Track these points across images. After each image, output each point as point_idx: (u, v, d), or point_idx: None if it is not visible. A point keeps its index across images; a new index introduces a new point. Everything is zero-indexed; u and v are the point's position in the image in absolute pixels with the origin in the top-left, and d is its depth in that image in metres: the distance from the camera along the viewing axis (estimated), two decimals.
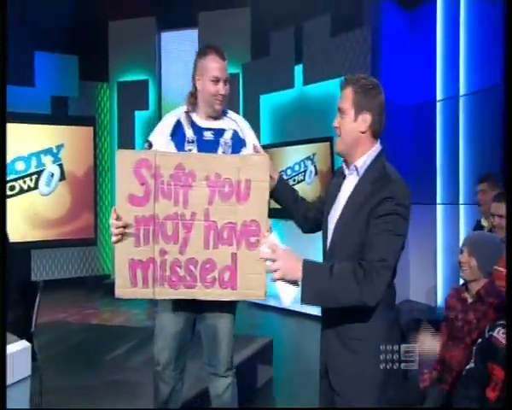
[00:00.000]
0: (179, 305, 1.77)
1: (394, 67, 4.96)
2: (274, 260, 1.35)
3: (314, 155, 5.32)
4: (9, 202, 5.96)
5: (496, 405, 1.72)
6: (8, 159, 6.08)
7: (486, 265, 2.07)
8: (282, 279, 1.34)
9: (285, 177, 5.55)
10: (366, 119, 1.43)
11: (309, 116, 5.23)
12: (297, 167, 5.50)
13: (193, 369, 2.31)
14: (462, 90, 4.59)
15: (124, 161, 1.56)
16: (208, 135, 1.83)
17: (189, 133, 1.82)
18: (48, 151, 6.44)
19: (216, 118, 1.87)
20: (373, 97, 1.43)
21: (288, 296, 1.29)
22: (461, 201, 4.60)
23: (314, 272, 1.33)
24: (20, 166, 6.26)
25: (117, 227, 1.54)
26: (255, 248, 1.59)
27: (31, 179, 6.35)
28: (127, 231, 1.56)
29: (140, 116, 6.35)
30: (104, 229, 6.72)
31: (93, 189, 6.73)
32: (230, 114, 1.93)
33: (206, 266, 1.61)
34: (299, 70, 5.47)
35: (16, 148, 6.16)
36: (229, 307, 1.81)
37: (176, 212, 1.58)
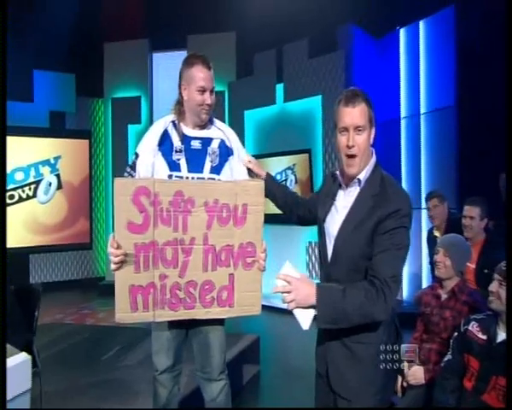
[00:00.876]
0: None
1: (365, 87, 5.33)
2: (288, 292, 1.30)
3: (294, 165, 5.62)
4: (9, 209, 6.14)
5: (472, 394, 1.76)
6: (8, 170, 6.24)
7: (459, 264, 2.16)
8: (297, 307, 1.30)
9: None
10: (373, 132, 1.37)
11: (289, 130, 5.54)
12: (278, 177, 5.76)
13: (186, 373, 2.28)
14: (422, 109, 5.06)
15: (122, 189, 1.50)
16: (196, 144, 1.76)
17: (177, 142, 1.75)
18: (46, 162, 6.60)
19: (203, 127, 1.80)
20: (374, 109, 1.37)
21: (306, 321, 1.32)
22: (423, 206, 5.05)
23: (328, 297, 1.28)
24: (19, 176, 6.42)
25: (116, 256, 1.49)
26: (251, 267, 1.63)
27: (29, 188, 6.50)
28: (127, 258, 1.52)
29: (133, 129, 6.54)
30: (99, 234, 6.90)
31: (88, 197, 6.89)
32: (217, 123, 1.86)
33: (205, 288, 1.61)
34: (280, 88, 5.77)
35: (16, 159, 6.32)
36: (219, 318, 1.76)
37: (175, 237, 1.56)
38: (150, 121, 6.56)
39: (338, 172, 1.48)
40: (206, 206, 1.57)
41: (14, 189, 6.40)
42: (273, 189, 1.81)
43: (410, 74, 5.21)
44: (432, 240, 3.21)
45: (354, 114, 1.32)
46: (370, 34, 5.50)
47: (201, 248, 1.59)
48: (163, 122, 1.79)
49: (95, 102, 7.00)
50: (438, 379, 1.89)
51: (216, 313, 1.64)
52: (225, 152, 1.80)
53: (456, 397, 1.82)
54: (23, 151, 6.42)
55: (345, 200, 1.43)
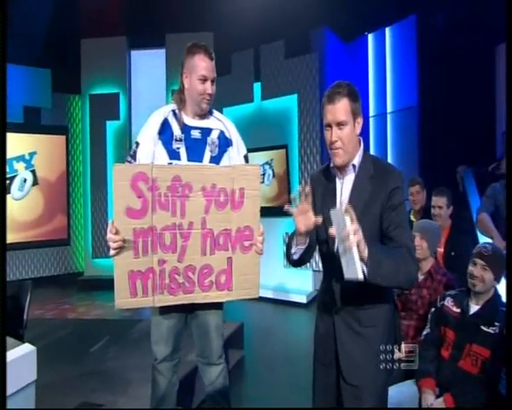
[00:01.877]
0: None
1: None
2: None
3: (272, 160, 5.79)
4: None
5: (449, 362, 1.85)
6: None
7: (433, 245, 2.33)
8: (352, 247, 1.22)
9: None
10: (360, 121, 1.42)
11: (267, 127, 5.71)
12: None
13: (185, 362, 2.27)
14: (388, 108, 5.42)
15: (120, 175, 1.49)
16: (196, 134, 1.75)
17: (177, 131, 1.73)
18: (20, 158, 6.38)
19: (203, 117, 1.78)
20: (359, 100, 1.40)
21: (356, 269, 1.23)
22: None
23: (376, 253, 1.27)
24: None
25: (115, 241, 1.48)
26: (249, 251, 1.62)
27: None
28: (126, 244, 1.51)
29: (111, 126, 6.45)
30: (77, 230, 6.78)
31: (66, 193, 6.73)
32: (216, 114, 1.85)
33: (203, 272, 1.61)
34: (257, 87, 5.90)
35: None
36: (219, 302, 1.76)
37: (174, 222, 1.55)
38: (129, 117, 6.49)
39: (332, 166, 1.52)
40: (204, 191, 1.57)
41: (5, 165, 6.16)
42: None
43: (377, 76, 5.54)
44: (408, 224, 3.36)
45: (335, 111, 1.36)
46: (342, 38, 5.74)
47: (200, 232, 1.58)
48: (163, 111, 1.77)
49: (71, 98, 6.84)
50: (419, 351, 1.87)
51: (215, 296, 1.63)
52: (224, 143, 1.79)
53: (436, 366, 1.92)
54: None
55: (345, 188, 1.47)
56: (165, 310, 1.74)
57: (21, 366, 1.25)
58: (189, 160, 1.73)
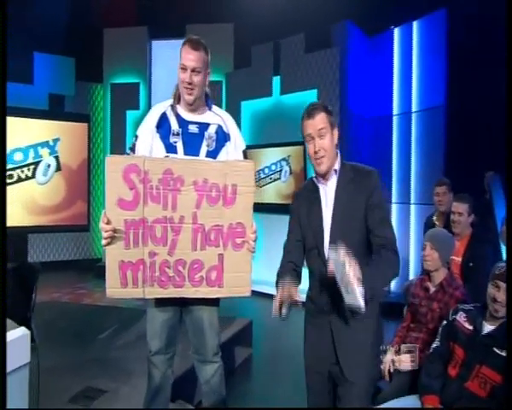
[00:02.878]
0: (167, 298, 1.70)
1: (358, 83, 5.37)
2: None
3: (289, 156, 5.62)
4: (7, 189, 6.02)
5: (456, 381, 1.76)
6: (8, 150, 6.18)
7: (445, 256, 2.21)
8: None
9: (263, 175, 5.91)
10: (335, 133, 1.54)
11: (285, 122, 5.51)
12: (273, 167, 5.78)
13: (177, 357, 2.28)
14: (414, 107, 5.08)
15: (113, 166, 1.50)
16: (193, 128, 1.73)
17: (175, 126, 1.72)
18: (45, 144, 6.53)
19: (201, 112, 1.76)
20: (333, 115, 1.55)
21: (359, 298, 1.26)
22: (412, 201, 5.11)
23: (369, 275, 1.34)
24: (18, 156, 6.36)
25: (106, 231, 1.50)
26: (240, 248, 1.59)
27: (28, 169, 6.44)
28: (117, 234, 1.51)
29: (131, 115, 6.47)
30: (96, 217, 6.87)
31: (86, 180, 6.84)
32: (215, 109, 1.82)
33: (194, 267, 1.58)
34: (276, 81, 5.73)
35: (15, 140, 6.26)
36: (213, 299, 1.73)
37: (165, 215, 1.54)
38: (148, 108, 6.45)
39: (314, 176, 1.60)
40: (196, 185, 1.56)
41: (12, 168, 6.34)
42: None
43: (402, 73, 5.22)
44: (431, 226, 3.13)
45: (315, 123, 1.49)
46: (365, 32, 5.46)
47: (190, 227, 1.57)
48: (162, 105, 1.78)
49: (94, 86, 6.91)
50: (424, 364, 1.91)
51: (205, 292, 1.62)
52: (222, 138, 1.77)
53: (441, 382, 1.82)
54: (22, 132, 6.34)
55: (329, 192, 1.55)
56: (159, 303, 1.74)
57: (15, 348, 1.29)
58: (185, 154, 1.73)
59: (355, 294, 1.27)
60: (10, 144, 6.23)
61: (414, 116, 5.08)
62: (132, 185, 1.51)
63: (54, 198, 6.61)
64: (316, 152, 1.50)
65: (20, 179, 6.40)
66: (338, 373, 1.51)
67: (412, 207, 5.10)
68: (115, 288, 1.55)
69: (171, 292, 1.60)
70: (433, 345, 1.92)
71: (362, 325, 1.49)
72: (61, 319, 3.79)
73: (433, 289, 2.19)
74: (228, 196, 1.58)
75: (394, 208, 5.36)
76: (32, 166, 6.49)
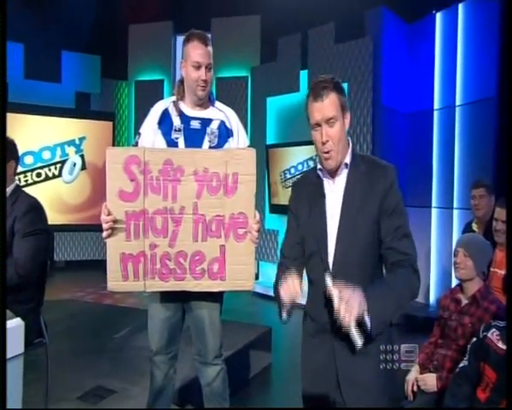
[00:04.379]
0: (167, 294, 1.70)
1: (394, 75, 4.90)
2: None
3: (316, 156, 5.26)
4: (35, 188, 6.16)
5: (485, 406, 1.63)
6: (36, 148, 6.28)
7: (481, 264, 2.04)
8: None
9: (289, 175, 5.58)
10: (348, 117, 1.30)
11: None
12: (300, 167, 5.46)
13: (185, 361, 2.25)
14: (458, 101, 4.52)
15: (113, 158, 1.51)
16: (195, 124, 1.72)
17: (177, 122, 1.71)
18: (71, 142, 6.52)
19: (204, 107, 1.76)
20: (345, 93, 1.30)
21: (360, 339, 1.11)
22: (455, 205, 4.56)
23: (379, 306, 1.17)
24: (46, 155, 6.39)
25: (107, 222, 1.49)
26: (243, 239, 1.55)
27: (55, 168, 6.46)
28: (118, 226, 1.50)
29: None
30: None
31: None
32: (218, 104, 1.81)
33: (195, 259, 1.56)
34: (304, 75, 5.41)
35: (43, 138, 6.30)
36: (215, 295, 1.71)
37: (165, 206, 1.54)
38: None
39: (318, 169, 1.36)
40: (196, 175, 1.53)
41: (41, 167, 6.39)
42: None
43: (445, 62, 4.65)
44: None
45: (324, 108, 1.25)
46: (403, 19, 4.97)
47: (191, 217, 1.55)
48: (164, 102, 1.78)
49: (119, 84, 6.86)
50: (450, 385, 1.78)
51: (207, 285, 1.58)
52: (225, 133, 1.75)
53: (468, 406, 1.68)
54: (50, 130, 6.36)
55: (336, 187, 1.33)
56: (160, 300, 1.73)
57: (9, 338, 1.30)
58: None
59: (350, 332, 1.13)
60: (39, 143, 6.27)
61: (458, 110, 4.51)
62: (133, 177, 1.51)
63: (79, 197, 6.59)
64: (323, 143, 1.26)
65: (47, 178, 6.43)
66: (341, 401, 1.31)
67: (455, 213, 4.54)
68: (116, 281, 1.53)
69: (172, 285, 1.58)
70: (461, 364, 1.78)
71: (371, 351, 1.24)
72: (79, 317, 3.81)
73: (464, 302, 2.01)
74: (229, 186, 1.54)
75: (434, 213, 4.81)
76: (58, 165, 6.50)
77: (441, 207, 4.74)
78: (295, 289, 1.22)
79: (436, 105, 4.77)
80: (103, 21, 5.96)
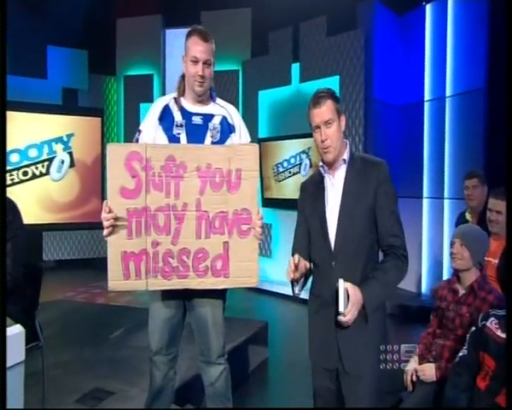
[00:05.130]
0: (169, 293, 1.67)
1: (386, 68, 4.93)
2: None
3: (309, 149, 5.26)
4: (22, 186, 6.04)
5: (485, 395, 1.64)
6: (22, 146, 6.12)
7: (477, 255, 2.05)
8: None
9: (281, 169, 5.58)
10: (343, 119, 1.52)
11: (304, 112, 4.98)
12: (293, 160, 5.46)
13: (186, 359, 2.22)
14: (448, 92, 4.58)
15: (114, 154, 1.48)
16: (197, 119, 1.71)
17: (178, 117, 1.71)
18: (59, 140, 6.39)
19: (205, 103, 1.76)
20: (339, 101, 1.53)
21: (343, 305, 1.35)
22: (445, 195, 4.62)
23: (374, 295, 1.42)
24: (33, 153, 6.24)
25: (107, 220, 1.47)
26: (247, 235, 1.55)
27: (43, 166, 6.32)
28: (119, 223, 1.48)
29: (145, 108, 6.15)
30: None
31: (101, 176, 6.65)
32: (220, 101, 1.81)
33: (198, 256, 1.55)
34: (295, 68, 5.41)
35: (29, 136, 6.16)
36: (218, 293, 1.69)
37: (167, 203, 1.52)
38: None
39: (320, 165, 1.56)
40: (199, 171, 1.52)
41: (27, 165, 6.25)
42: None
43: (435, 54, 4.71)
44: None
45: (322, 113, 1.47)
46: (393, 11, 5.00)
47: (194, 214, 1.53)
48: (164, 98, 1.77)
49: (107, 79, 6.74)
50: (450, 375, 1.77)
51: (210, 283, 1.56)
52: (227, 129, 1.74)
53: (468, 396, 1.68)
54: (37, 128, 6.22)
55: (336, 181, 1.52)
56: (162, 299, 1.71)
57: (9, 346, 1.26)
58: None
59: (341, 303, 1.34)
60: (25, 141, 6.13)
61: (448, 101, 4.57)
62: (135, 173, 1.48)
63: (68, 195, 6.47)
64: (323, 141, 1.49)
65: (34, 176, 6.29)
66: (342, 369, 1.48)
67: (446, 203, 4.60)
68: (118, 280, 1.51)
69: (174, 283, 1.55)
70: (460, 354, 1.77)
71: (367, 320, 1.44)
72: (73, 318, 3.74)
73: (462, 292, 2.02)
74: (232, 182, 1.53)
75: (426, 203, 4.87)
76: (46, 163, 6.36)
77: (432, 197, 4.80)
78: (300, 261, 1.41)
79: (427, 96, 4.82)
80: (90, 15, 5.83)
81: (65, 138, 6.41)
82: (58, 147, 6.38)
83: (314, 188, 1.57)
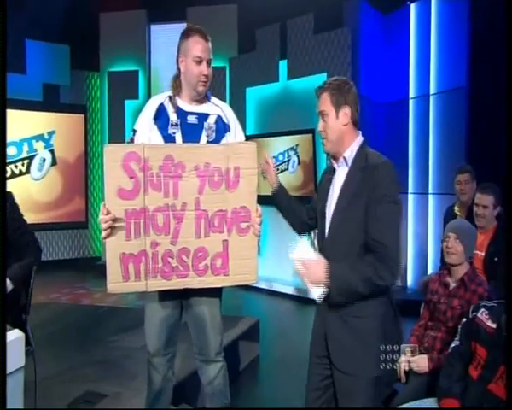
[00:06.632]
0: (166, 292, 1.65)
1: (372, 66, 5.04)
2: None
3: (297, 145, 5.32)
4: None
5: (478, 383, 1.69)
6: None
7: (470, 249, 2.10)
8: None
9: None
10: (346, 112, 1.48)
11: (292, 109, 5.21)
12: (281, 157, 5.50)
13: (180, 358, 2.22)
14: (432, 90, 4.73)
15: (112, 155, 1.47)
16: (192, 119, 1.71)
17: (173, 117, 1.70)
18: (39, 137, 6.24)
19: (200, 102, 1.76)
20: (347, 92, 1.49)
21: (317, 293, 1.37)
22: (430, 190, 4.77)
23: (338, 272, 1.38)
24: (11, 151, 6.06)
25: (106, 221, 1.46)
26: (246, 233, 1.56)
27: (22, 164, 6.16)
28: (117, 225, 1.47)
29: (130, 105, 6.17)
30: (95, 213, 6.58)
31: (84, 174, 6.55)
32: (214, 100, 1.81)
33: (198, 255, 1.55)
34: (283, 65, 5.44)
35: (8, 133, 5.93)
36: (215, 291, 1.70)
37: (166, 203, 1.51)
38: (148, 97, 6.23)
39: (328, 159, 1.60)
40: (197, 170, 1.53)
41: (6, 164, 6.00)
42: (282, 201, 1.79)
43: (419, 52, 4.87)
44: (452, 217, 2.94)
45: (319, 104, 1.52)
46: (379, 10, 5.12)
47: (193, 213, 1.53)
48: (159, 97, 1.76)
49: (90, 75, 6.61)
50: (443, 366, 1.82)
51: (210, 281, 1.57)
52: (222, 128, 1.75)
53: (462, 386, 1.72)
54: (16, 125, 6.03)
55: (339, 178, 1.52)
56: (158, 299, 1.70)
57: (9, 351, 1.25)
58: None
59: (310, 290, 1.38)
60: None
61: (432, 99, 4.73)
62: (132, 174, 1.47)
63: (50, 194, 6.33)
64: (319, 132, 1.53)
65: (13, 175, 6.13)
66: (330, 361, 1.48)
67: (430, 198, 4.76)
68: (117, 282, 1.50)
69: (174, 283, 1.55)
70: (452, 345, 1.83)
71: (354, 321, 1.44)
72: (61, 321, 3.68)
73: (453, 285, 2.07)
74: (231, 180, 1.54)
75: (411, 199, 5.03)
76: (26, 161, 6.21)
77: (417, 192, 4.95)
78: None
79: (411, 94, 4.97)
80: (72, 8, 5.68)
81: (46, 136, 6.27)
82: (39, 145, 6.24)
83: (326, 178, 1.61)
